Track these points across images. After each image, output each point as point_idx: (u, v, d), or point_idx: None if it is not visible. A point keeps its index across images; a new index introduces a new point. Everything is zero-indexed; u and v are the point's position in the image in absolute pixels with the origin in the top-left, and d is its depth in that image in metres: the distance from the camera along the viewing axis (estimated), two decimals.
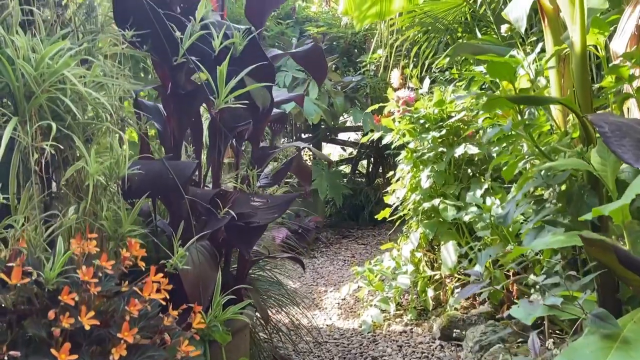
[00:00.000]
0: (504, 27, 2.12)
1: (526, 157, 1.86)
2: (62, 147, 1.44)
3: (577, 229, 1.63)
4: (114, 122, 1.54)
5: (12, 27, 1.39)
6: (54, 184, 1.46)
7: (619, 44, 2.07)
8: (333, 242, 5.37)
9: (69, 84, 1.37)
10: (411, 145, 3.06)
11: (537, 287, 1.62)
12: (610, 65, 1.73)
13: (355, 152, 6.82)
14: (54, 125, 1.29)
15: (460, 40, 4.07)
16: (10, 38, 1.35)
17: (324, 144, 6.96)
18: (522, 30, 2.41)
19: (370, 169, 6.92)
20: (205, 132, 2.08)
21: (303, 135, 6.32)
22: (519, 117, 1.70)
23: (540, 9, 2.20)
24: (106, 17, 1.69)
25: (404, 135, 3.11)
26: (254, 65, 1.71)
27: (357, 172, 7.08)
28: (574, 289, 1.50)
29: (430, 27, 3.92)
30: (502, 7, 3.52)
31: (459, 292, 3.05)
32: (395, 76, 4.21)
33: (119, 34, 1.63)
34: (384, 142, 3.19)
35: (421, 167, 3.00)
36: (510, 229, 2.49)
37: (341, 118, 5.83)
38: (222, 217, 1.56)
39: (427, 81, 3.68)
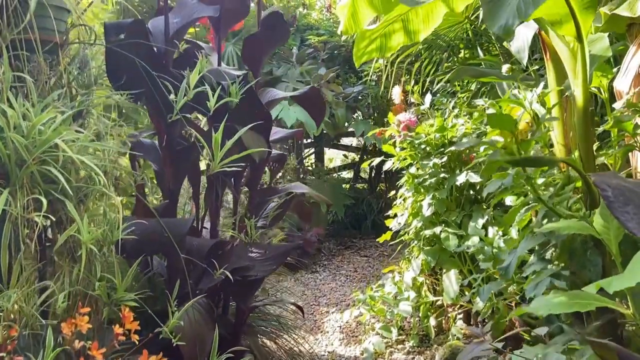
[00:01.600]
0: (505, 67, 2.08)
1: (529, 203, 1.83)
2: (54, 216, 1.42)
3: (580, 283, 1.60)
4: (108, 181, 1.51)
5: (3, 93, 1.37)
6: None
7: (623, 83, 2.03)
8: (335, 253, 5.35)
9: (61, 150, 1.35)
10: (412, 170, 3.03)
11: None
12: (613, 114, 1.69)
13: (357, 158, 6.78)
14: (44, 201, 1.26)
15: (462, 53, 4.02)
16: (0, 106, 1.33)
17: (326, 149, 6.93)
18: (524, 61, 2.37)
19: (372, 174, 6.88)
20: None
21: (305, 141, 6.30)
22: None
23: (542, 42, 2.15)
24: (100, 70, 1.66)
25: (405, 159, 3.08)
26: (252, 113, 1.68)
27: (359, 177, 7.05)
28: (577, 339, 1.48)
29: (432, 44, 3.87)
30: None
31: (460, 320, 3.04)
32: (396, 92, 4.17)
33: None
34: (384, 168, 3.15)
35: (422, 191, 2.97)
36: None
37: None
38: (218, 277, 1.54)
39: (428, 96, 3.64)
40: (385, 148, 3.11)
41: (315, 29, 6.13)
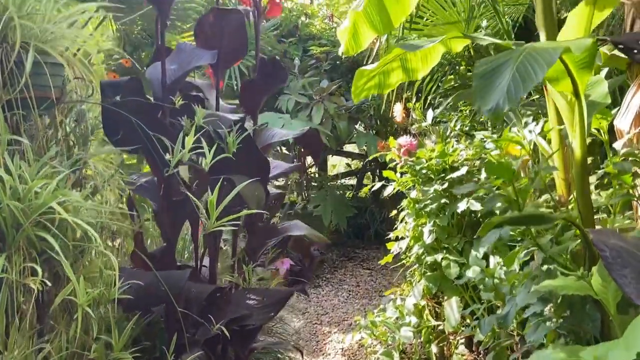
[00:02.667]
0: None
1: (529, 247, 1.82)
2: (50, 272, 1.43)
3: (580, 335, 1.59)
4: (105, 236, 1.52)
5: None
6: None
7: (624, 123, 2.01)
8: (338, 265, 5.35)
9: (57, 212, 1.35)
10: (413, 195, 3.01)
11: None
12: (612, 161, 1.67)
13: (360, 165, 6.76)
14: (39, 270, 1.27)
15: (463, 67, 4.00)
16: None
17: (329, 156, 6.92)
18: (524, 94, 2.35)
19: (375, 181, 6.86)
20: None
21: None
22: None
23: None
24: (96, 121, 1.67)
25: (406, 184, 3.07)
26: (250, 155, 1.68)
27: (362, 185, 7.03)
28: None
29: None
30: (506, 37, 3.45)
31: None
32: (397, 109, 4.16)
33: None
34: (385, 193, 3.15)
35: (424, 215, 2.96)
36: (514, 292, 2.45)
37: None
38: (215, 332, 1.54)
39: (430, 113, 3.63)
40: (386, 174, 3.10)
41: (317, 39, 6.11)
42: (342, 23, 3.26)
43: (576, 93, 1.38)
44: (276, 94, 5.60)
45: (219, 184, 1.44)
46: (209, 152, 1.51)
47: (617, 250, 1.33)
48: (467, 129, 3.82)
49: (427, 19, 3.65)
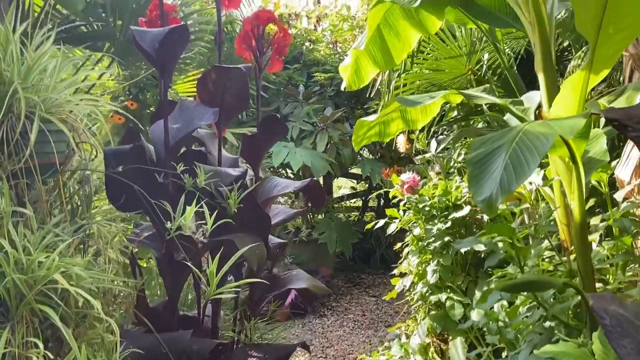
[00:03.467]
0: None
1: (530, 301, 1.81)
2: (52, 337, 1.44)
3: None
4: (107, 302, 1.53)
5: (3, 227, 1.40)
6: None
7: (624, 173, 2.01)
8: (344, 292, 5.33)
9: (60, 283, 1.37)
10: (416, 232, 3.02)
11: None
12: (615, 222, 1.67)
13: (366, 186, 6.77)
14: (41, 345, 1.28)
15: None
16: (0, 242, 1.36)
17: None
18: (532, 117, 2.36)
19: (380, 203, 6.86)
20: None
21: None
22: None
23: (541, 119, 2.14)
24: (100, 182, 1.69)
25: (409, 220, 3.07)
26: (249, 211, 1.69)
27: (367, 207, 7.04)
28: None
29: None
30: (506, 72, 3.47)
31: None
32: (400, 140, 4.17)
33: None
34: (389, 231, 3.15)
35: (427, 252, 2.96)
36: (519, 336, 2.44)
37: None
38: None
39: (433, 143, 3.65)
40: (389, 212, 3.11)
41: (321, 65, 6.16)
42: (345, 59, 3.30)
43: (573, 159, 1.39)
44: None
45: (218, 254, 1.45)
46: (210, 217, 1.52)
47: (617, 319, 1.33)
48: None
49: (427, 53, 3.68)
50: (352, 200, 7.43)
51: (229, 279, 2.21)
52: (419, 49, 3.70)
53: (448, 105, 4.06)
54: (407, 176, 3.13)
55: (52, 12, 2.26)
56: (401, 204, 3.05)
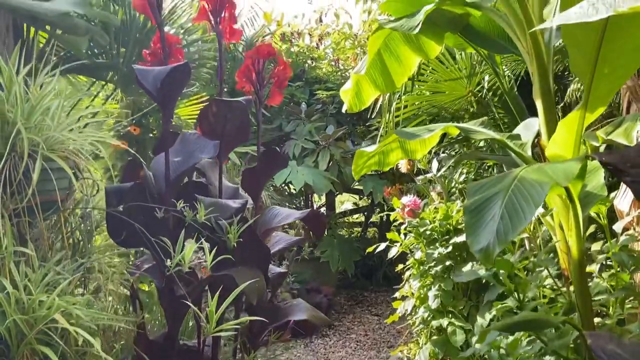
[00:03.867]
0: None
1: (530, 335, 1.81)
2: None
3: None
4: (107, 339, 1.54)
5: (5, 267, 1.41)
6: None
7: (624, 204, 2.01)
8: (346, 310, 5.31)
9: (60, 323, 1.38)
10: (418, 255, 3.02)
11: None
12: (614, 256, 1.67)
13: (369, 202, 6.77)
14: None
15: (467, 121, 4.03)
16: (2, 282, 1.37)
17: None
18: (529, 152, 2.37)
19: (383, 220, 6.86)
20: None
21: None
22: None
23: (540, 151, 2.16)
24: (101, 217, 1.71)
25: (409, 245, 3.08)
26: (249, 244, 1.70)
27: (370, 222, 7.03)
28: None
29: (437, 115, 3.90)
30: (506, 96, 3.49)
31: None
32: (402, 161, 4.19)
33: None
34: (390, 255, 3.15)
35: (429, 276, 2.96)
36: None
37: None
38: None
39: (435, 163, 3.66)
40: (390, 236, 3.11)
41: (323, 82, 6.20)
42: (345, 84, 3.33)
43: (570, 198, 1.40)
44: (283, 138, 5.68)
45: (218, 292, 1.46)
46: (210, 252, 1.54)
47: (615, 357, 1.33)
48: (472, 177, 3.84)
49: (427, 75, 3.70)
50: (355, 216, 7.44)
51: (229, 309, 2.22)
52: (419, 71, 3.73)
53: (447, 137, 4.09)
54: (408, 199, 3.14)
55: (57, 43, 2.29)
56: (402, 227, 3.05)
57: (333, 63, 6.44)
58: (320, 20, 6.62)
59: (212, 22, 2.02)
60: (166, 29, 2.63)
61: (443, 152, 4.33)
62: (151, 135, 3.11)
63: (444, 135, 4.17)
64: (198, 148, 1.80)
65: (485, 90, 3.62)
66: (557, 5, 2.55)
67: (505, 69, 3.55)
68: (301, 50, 6.31)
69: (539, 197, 1.01)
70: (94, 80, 2.78)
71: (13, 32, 1.76)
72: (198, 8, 2.03)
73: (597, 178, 1.73)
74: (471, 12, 2.58)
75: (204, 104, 3.36)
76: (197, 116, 3.52)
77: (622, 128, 1.89)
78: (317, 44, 6.47)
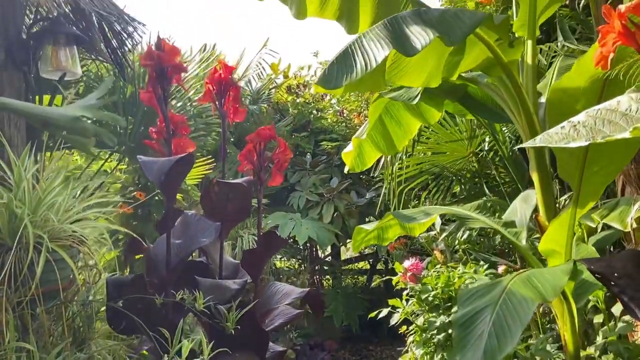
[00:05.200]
0: (501, 268, 2.09)
1: None
2: None
3: None
4: None
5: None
6: None
7: None
8: None
9: None
10: (420, 321, 3.00)
11: None
12: (611, 346, 1.67)
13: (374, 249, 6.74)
14: None
15: (469, 180, 4.07)
16: None
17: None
18: (523, 241, 2.38)
19: (389, 267, 6.81)
20: None
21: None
22: None
23: (539, 226, 2.17)
24: (102, 303, 1.74)
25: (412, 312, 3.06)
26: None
27: (375, 270, 6.98)
28: None
29: (439, 174, 3.95)
30: (512, 148, 3.53)
31: None
32: None
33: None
34: (392, 322, 3.13)
35: (431, 342, 2.93)
36: None
37: None
38: None
39: (438, 221, 3.67)
40: (392, 302, 3.10)
41: (328, 133, 6.29)
42: (346, 147, 3.40)
43: (564, 295, 1.41)
44: (288, 190, 5.73)
45: None
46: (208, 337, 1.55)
47: None
48: (475, 235, 3.84)
49: (428, 137, 3.77)
50: (360, 264, 7.40)
51: None
52: (419, 132, 3.80)
53: (452, 183, 4.13)
54: (410, 263, 3.14)
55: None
56: (404, 293, 3.04)
57: (338, 113, 6.57)
58: None
59: (217, 104, 2.10)
60: (174, 101, 2.73)
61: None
62: (157, 198, 3.16)
63: (447, 190, 4.21)
64: (199, 231, 1.84)
65: (486, 151, 3.67)
66: (552, 79, 2.62)
67: (505, 130, 3.61)
68: (307, 102, 6.45)
69: (525, 316, 1.03)
70: (101, 150, 2.86)
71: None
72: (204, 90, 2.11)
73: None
74: (469, 83, 2.66)
75: (208, 166, 3.44)
76: (202, 174, 3.60)
77: (617, 212, 1.92)
78: (322, 96, 6.61)
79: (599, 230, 2.15)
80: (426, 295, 2.95)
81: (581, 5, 3.34)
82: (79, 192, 1.72)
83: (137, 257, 2.11)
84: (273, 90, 6.32)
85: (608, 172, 1.51)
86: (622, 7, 1.11)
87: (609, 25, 1.12)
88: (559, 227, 1.43)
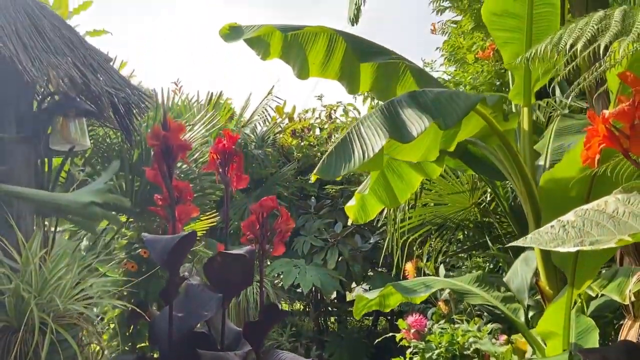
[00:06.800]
0: (502, 338, 2.09)
1: None
2: None
3: None
4: None
5: None
6: None
7: None
8: None
9: None
10: None
11: None
12: None
13: None
14: None
15: (472, 230, 4.08)
16: None
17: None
18: (525, 302, 2.39)
19: (394, 320, 6.73)
20: None
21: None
22: None
23: (540, 292, 2.18)
24: None
25: None
26: None
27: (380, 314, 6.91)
28: None
29: (442, 224, 3.97)
30: (512, 202, 3.55)
31: None
32: (408, 268, 4.21)
33: None
34: None
35: None
36: None
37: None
38: None
39: (442, 270, 3.68)
40: None
41: None
42: (349, 201, 3.44)
43: None
44: (292, 234, 5.74)
45: None
46: None
47: None
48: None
49: (429, 189, 3.81)
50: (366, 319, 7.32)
51: None
52: (421, 185, 3.84)
53: (455, 233, 4.14)
54: (413, 319, 3.13)
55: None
56: (408, 351, 3.03)
57: None
58: (330, 117, 6.88)
59: (221, 172, 2.16)
60: (179, 163, 2.79)
61: (451, 256, 4.36)
62: None
63: (447, 246, 4.22)
64: (201, 303, 1.87)
65: (487, 202, 3.69)
66: (550, 141, 2.67)
67: (506, 184, 3.65)
68: (311, 144, 6.52)
69: None
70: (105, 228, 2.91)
71: None
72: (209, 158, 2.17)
73: (593, 339, 1.74)
74: (469, 143, 2.70)
75: (212, 221, 3.48)
76: (207, 227, 3.63)
77: (615, 282, 1.93)
78: (327, 140, 6.68)
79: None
80: (430, 354, 2.93)
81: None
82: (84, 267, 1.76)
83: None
84: (278, 134, 6.42)
85: (602, 254, 1.54)
86: (606, 113, 1.15)
87: (594, 128, 1.16)
88: (556, 310, 1.45)
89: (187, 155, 1.96)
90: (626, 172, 1.21)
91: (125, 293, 2.98)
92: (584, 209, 1.16)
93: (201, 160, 3.01)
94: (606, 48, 1.10)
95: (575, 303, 1.94)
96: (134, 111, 2.29)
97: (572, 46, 1.13)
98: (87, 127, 2.35)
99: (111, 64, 2.50)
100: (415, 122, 1.49)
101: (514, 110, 2.49)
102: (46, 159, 2.43)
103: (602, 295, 2.18)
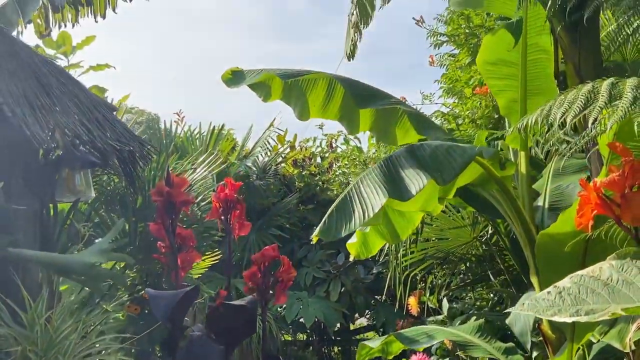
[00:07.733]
0: None
1: None
2: None
3: None
4: None
5: None
6: None
7: None
8: None
9: None
10: None
11: None
12: None
13: None
14: None
15: (474, 264, 4.08)
16: None
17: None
18: (528, 346, 2.39)
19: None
20: None
21: None
22: None
23: (542, 336, 2.19)
24: None
25: None
26: None
27: None
28: None
29: (444, 258, 3.98)
30: (513, 236, 3.56)
31: None
32: (411, 302, 4.21)
33: None
34: None
35: None
36: None
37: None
38: None
39: (445, 304, 3.67)
40: None
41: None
42: (350, 238, 3.46)
43: None
44: (294, 265, 5.74)
45: None
46: None
47: None
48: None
49: (430, 224, 3.83)
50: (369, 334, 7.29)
51: None
52: (423, 220, 3.86)
53: (458, 266, 4.15)
54: (417, 357, 3.12)
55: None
56: None
57: (344, 186, 6.68)
58: (331, 146, 6.94)
59: (223, 219, 2.19)
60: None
61: (454, 288, 4.35)
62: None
63: (453, 274, 4.22)
64: (203, 355, 1.88)
65: (489, 236, 3.71)
66: (548, 181, 2.70)
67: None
68: (312, 173, 6.56)
69: None
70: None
71: None
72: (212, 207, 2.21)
73: None
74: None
75: (216, 259, 3.50)
76: (209, 266, 3.65)
77: (616, 329, 1.94)
78: (328, 169, 6.73)
79: None
80: None
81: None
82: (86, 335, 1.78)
83: None
84: (280, 164, 6.47)
85: None
86: (597, 181, 1.19)
87: (586, 196, 1.20)
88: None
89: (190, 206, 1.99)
90: (619, 235, 1.24)
91: (128, 335, 2.99)
92: (579, 274, 1.18)
93: (204, 204, 3.05)
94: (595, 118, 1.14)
95: (578, 350, 1.94)
96: (139, 162, 2.34)
97: (561, 116, 1.17)
98: (91, 173, 2.40)
99: (115, 110, 2.57)
100: (414, 179, 1.52)
101: (510, 153, 2.53)
102: (51, 205, 2.47)
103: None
